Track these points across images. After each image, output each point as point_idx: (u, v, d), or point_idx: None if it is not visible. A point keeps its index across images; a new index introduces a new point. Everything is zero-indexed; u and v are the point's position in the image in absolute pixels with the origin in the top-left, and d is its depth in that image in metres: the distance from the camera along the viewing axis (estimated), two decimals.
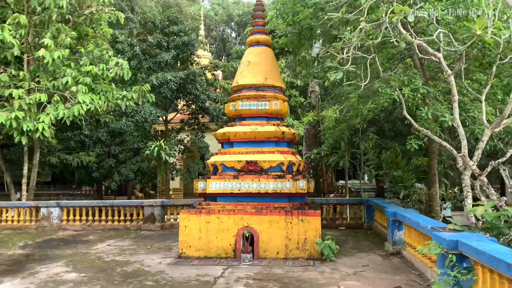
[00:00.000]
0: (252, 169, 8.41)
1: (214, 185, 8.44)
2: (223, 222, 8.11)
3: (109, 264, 7.80)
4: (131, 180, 23.70)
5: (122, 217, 12.78)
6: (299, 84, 19.26)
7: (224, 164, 8.68)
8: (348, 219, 11.81)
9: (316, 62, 11.43)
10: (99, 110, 13.41)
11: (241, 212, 8.02)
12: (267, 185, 8.12)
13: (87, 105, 12.80)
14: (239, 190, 8.25)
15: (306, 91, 18.39)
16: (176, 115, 24.62)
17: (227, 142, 9.09)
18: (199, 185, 8.58)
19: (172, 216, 12.81)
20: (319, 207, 9.21)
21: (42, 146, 17.90)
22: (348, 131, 12.10)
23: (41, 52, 12.65)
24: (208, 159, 9.21)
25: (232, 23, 50.16)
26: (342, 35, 7.47)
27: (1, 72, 13.09)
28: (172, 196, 29.02)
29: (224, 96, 22.17)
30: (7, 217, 13.16)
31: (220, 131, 9.07)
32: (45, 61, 12.64)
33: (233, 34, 51.30)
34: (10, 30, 12.61)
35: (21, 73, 13.31)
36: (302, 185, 8.04)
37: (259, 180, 8.17)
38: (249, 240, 7.77)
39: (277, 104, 8.90)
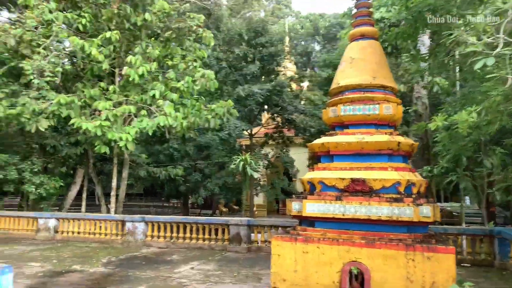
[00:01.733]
0: (359, 189, 6.84)
1: (311, 207, 7.04)
2: (325, 253, 6.63)
3: None
4: (216, 195, 23.23)
5: (207, 235, 11.92)
6: (401, 90, 17.17)
7: (324, 182, 7.24)
8: (473, 254, 9.56)
9: (429, 56, 9.56)
10: (182, 127, 12.89)
11: (347, 242, 6.48)
12: (380, 210, 6.48)
13: (172, 120, 12.33)
14: (343, 214, 6.73)
15: (407, 98, 16.24)
16: (260, 128, 23.82)
17: (326, 155, 7.65)
18: (294, 206, 7.24)
19: (259, 237, 11.66)
20: (450, 241, 7.27)
21: (132, 160, 18.11)
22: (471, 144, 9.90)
23: (125, 70, 12.56)
24: (295, 175, 7.87)
25: (317, 36, 48.89)
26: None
27: (94, 86, 13.30)
28: (256, 212, 28.10)
29: (311, 108, 20.80)
30: (94, 229, 13.09)
31: (318, 141, 7.67)
32: (130, 78, 12.52)
33: (317, 47, 49.97)
34: (99, 46, 12.73)
35: (111, 87, 13.36)
36: (426, 211, 6.27)
37: (369, 204, 6.58)
38: (358, 279, 6.19)
39: (389, 108, 7.26)
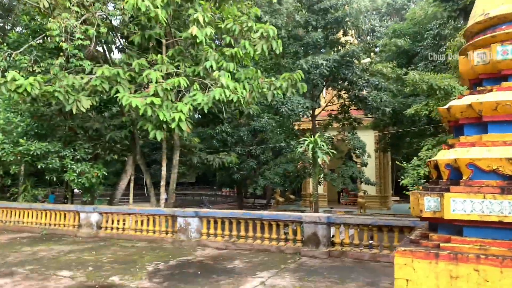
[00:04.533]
0: None
1: (460, 205, 4.40)
2: (491, 280, 4.01)
3: None
4: (273, 184, 20.89)
5: (274, 235, 9.58)
6: None
7: (476, 165, 4.56)
8: None
9: None
10: (242, 101, 10.53)
11: None
12: None
13: (230, 92, 10.02)
14: None
15: None
16: (324, 107, 21.05)
17: (473, 124, 4.94)
18: (426, 203, 4.63)
19: (341, 237, 9.15)
20: None
21: (182, 145, 16.18)
22: None
23: (194, 30, 10.33)
24: (432, 157, 5.20)
25: (380, 9, 44.56)
26: None
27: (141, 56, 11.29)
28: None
29: (385, 82, 17.68)
30: (141, 226, 11.19)
31: (460, 102, 4.96)
32: (198, 40, 10.33)
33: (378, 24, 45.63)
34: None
35: (159, 56, 11.29)
36: None
37: None
38: None
39: None
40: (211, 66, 10.75)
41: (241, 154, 22.70)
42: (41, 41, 12.04)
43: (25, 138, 12.52)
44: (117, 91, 10.23)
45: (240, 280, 6.84)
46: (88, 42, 9.89)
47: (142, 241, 10.77)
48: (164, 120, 10.12)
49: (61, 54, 9.61)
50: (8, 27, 24.16)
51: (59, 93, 9.45)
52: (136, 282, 6.72)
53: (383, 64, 20.47)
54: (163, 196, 13.78)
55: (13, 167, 12.72)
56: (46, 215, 12.64)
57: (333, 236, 9.23)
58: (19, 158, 12.40)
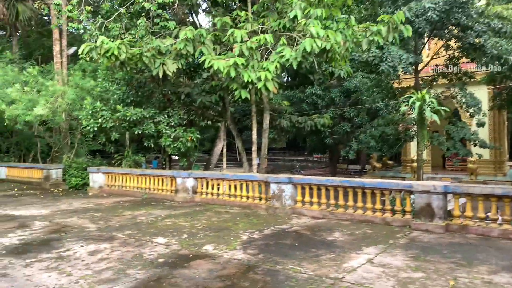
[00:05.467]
0: None
1: None
2: None
3: None
4: (369, 148, 19.38)
5: (378, 205, 8.52)
6: None
7: None
8: None
9: None
10: (336, 49, 9.32)
11: None
12: None
13: (321, 41, 8.90)
14: None
15: None
16: (431, 59, 18.66)
17: None
18: None
19: (461, 209, 7.78)
20: None
21: (272, 109, 15.54)
22: None
23: None
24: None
25: None
26: None
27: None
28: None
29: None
30: (235, 191, 10.91)
31: None
32: None
33: None
34: None
35: (243, 13, 10.52)
36: None
37: None
38: None
39: None
40: (296, 16, 9.65)
41: (333, 117, 21.42)
42: (131, 8, 12.03)
43: (121, 105, 12.92)
44: (201, 53, 9.77)
45: (343, 256, 6.03)
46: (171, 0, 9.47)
47: (236, 207, 10.50)
48: (250, 80, 9.44)
49: (143, 14, 9.35)
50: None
51: (145, 57, 9.27)
52: (230, 252, 6.30)
53: (503, 6, 17.28)
54: (255, 161, 13.41)
55: (113, 133, 13.29)
56: (145, 180, 13.08)
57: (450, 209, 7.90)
58: (117, 124, 12.87)
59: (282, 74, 14.57)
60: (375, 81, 20.37)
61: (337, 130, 23.06)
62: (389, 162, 28.17)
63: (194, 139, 13.33)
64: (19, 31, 26.89)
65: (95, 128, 13.09)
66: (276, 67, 9.24)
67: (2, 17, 23.79)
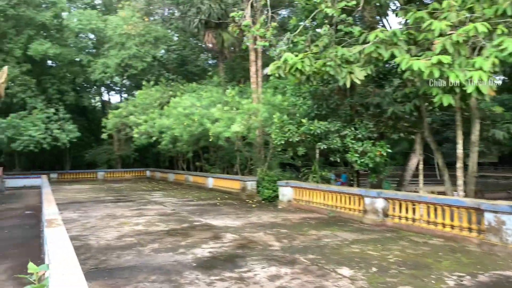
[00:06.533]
0: None
1: None
2: None
3: None
4: None
5: None
6: None
7: None
8: None
9: None
10: None
11: None
12: None
13: None
14: None
15: None
16: None
17: None
18: None
19: None
20: None
21: (481, 117, 12.74)
22: None
23: None
24: None
25: None
26: None
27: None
28: None
29: None
30: (435, 218, 9.10)
31: None
32: None
33: None
34: None
35: (444, 2, 8.79)
36: None
37: None
38: None
39: None
40: None
41: None
42: (316, 20, 11.73)
43: (306, 119, 12.69)
44: (393, 56, 8.52)
45: None
46: (354, 2, 8.59)
47: (437, 237, 8.72)
48: (456, 83, 7.67)
49: (325, 21, 8.76)
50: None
51: (329, 67, 8.64)
52: None
53: None
54: (460, 180, 11.11)
55: (300, 148, 13.17)
56: (331, 197, 12.44)
57: None
58: (303, 138, 12.67)
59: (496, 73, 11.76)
60: None
61: None
62: None
63: (384, 154, 11.99)
64: (225, 57, 30.58)
65: (282, 142, 13.25)
66: (493, 63, 7.25)
67: (212, 46, 27.51)
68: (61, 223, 5.74)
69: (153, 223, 10.92)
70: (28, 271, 3.70)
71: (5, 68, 21.37)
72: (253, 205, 14.86)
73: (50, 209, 7.27)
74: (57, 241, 4.33)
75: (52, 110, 29.11)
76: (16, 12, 26.71)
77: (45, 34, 30.27)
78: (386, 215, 10.38)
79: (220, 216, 12.18)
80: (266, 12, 13.55)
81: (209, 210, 13.59)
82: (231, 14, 11.52)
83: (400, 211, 9.99)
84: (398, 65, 8.82)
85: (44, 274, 3.63)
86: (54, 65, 33.55)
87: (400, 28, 9.14)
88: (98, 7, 36.17)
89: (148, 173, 33.51)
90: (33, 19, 27.80)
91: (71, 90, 33.05)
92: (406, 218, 9.79)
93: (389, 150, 12.25)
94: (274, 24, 10.62)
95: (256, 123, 16.60)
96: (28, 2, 27.34)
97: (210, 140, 18.30)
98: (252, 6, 18.76)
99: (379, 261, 6.89)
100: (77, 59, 31.78)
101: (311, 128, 12.29)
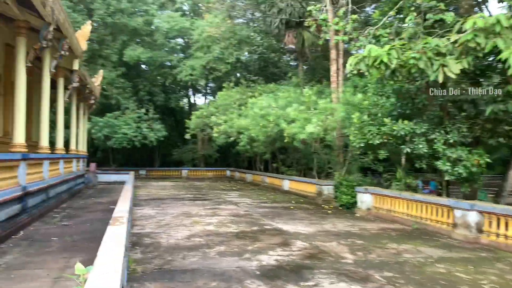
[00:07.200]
0: None
1: None
2: None
3: None
4: None
5: None
6: None
7: None
8: None
9: None
10: None
11: None
12: None
13: None
14: None
15: None
16: None
17: None
18: None
19: None
20: None
21: None
22: None
23: None
24: None
25: None
26: None
27: None
28: None
29: None
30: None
31: None
32: None
33: None
34: None
35: None
36: None
37: None
38: None
39: None
40: None
41: None
42: (402, 11, 10.66)
43: (389, 118, 11.62)
44: (495, 46, 7.27)
45: None
46: None
47: None
48: None
49: (412, 9, 7.75)
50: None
51: (419, 60, 7.64)
52: None
53: None
54: None
55: (381, 152, 12.12)
56: (415, 207, 11.25)
57: None
58: (385, 141, 11.63)
59: None
60: None
61: None
62: None
63: (482, 163, 10.47)
64: (306, 57, 29.99)
65: (362, 144, 12.33)
66: None
67: (292, 45, 27.13)
68: (125, 221, 5.75)
69: (224, 224, 10.82)
70: (75, 272, 3.62)
71: (101, 71, 23.27)
72: (329, 211, 14.11)
73: (121, 207, 7.44)
74: (110, 241, 4.24)
75: (143, 110, 31.17)
76: (113, 20, 29.02)
77: (137, 40, 32.54)
78: (480, 231, 9.02)
79: (292, 221, 11.69)
80: (348, 7, 12.74)
81: (282, 213, 13.17)
82: (308, 8, 10.97)
83: (498, 227, 8.59)
84: (500, 59, 7.56)
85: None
86: (147, 68, 36.00)
87: (506, 13, 7.80)
88: (186, 12, 37.99)
89: (228, 172, 34.27)
90: (127, 25, 29.99)
91: (161, 92, 35.18)
92: (506, 236, 8.38)
93: (488, 160, 10.69)
94: (354, 16, 9.83)
95: (333, 124, 15.79)
96: (123, 10, 29.55)
97: (285, 141, 17.89)
98: (333, 3, 17.95)
99: (469, 286, 5.87)
100: (167, 63, 33.70)
101: (395, 128, 11.20)
